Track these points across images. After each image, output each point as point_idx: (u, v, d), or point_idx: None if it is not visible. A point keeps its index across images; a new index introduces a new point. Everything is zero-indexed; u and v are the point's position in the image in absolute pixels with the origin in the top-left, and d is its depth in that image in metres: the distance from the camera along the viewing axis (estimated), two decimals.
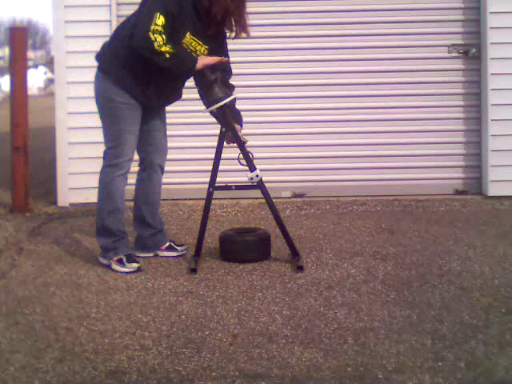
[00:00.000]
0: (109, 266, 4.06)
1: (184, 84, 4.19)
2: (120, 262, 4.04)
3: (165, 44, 3.80)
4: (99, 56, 4.11)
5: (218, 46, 4.08)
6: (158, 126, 4.21)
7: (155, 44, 3.78)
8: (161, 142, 4.24)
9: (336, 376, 2.73)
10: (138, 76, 3.97)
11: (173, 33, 3.85)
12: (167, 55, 3.81)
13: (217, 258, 4.25)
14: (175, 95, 4.19)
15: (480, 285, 3.75)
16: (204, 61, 3.93)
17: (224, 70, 4.09)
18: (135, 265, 4.05)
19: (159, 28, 3.79)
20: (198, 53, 3.99)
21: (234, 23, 3.99)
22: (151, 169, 4.23)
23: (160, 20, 3.80)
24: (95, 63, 4.12)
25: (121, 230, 4.09)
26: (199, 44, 3.98)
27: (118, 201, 4.07)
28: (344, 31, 5.97)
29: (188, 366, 2.82)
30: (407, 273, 3.96)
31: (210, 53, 4.03)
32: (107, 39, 4.18)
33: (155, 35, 3.78)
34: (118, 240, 4.07)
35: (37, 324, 3.27)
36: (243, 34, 4.05)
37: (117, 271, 4.01)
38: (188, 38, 3.94)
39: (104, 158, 4.09)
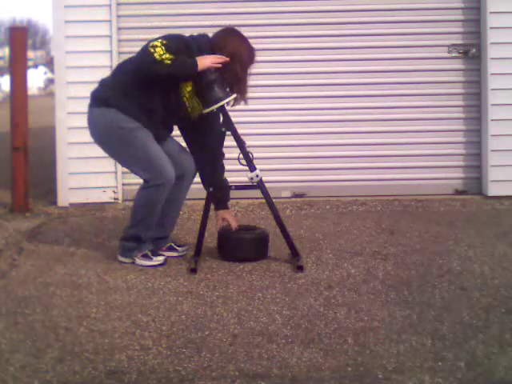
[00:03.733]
0: (133, 263, 4.11)
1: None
2: (146, 256, 4.10)
3: (164, 53, 3.82)
4: (100, 92, 4.09)
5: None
6: (170, 142, 4.21)
7: (155, 54, 3.81)
8: (182, 151, 4.22)
9: (336, 376, 2.73)
10: (144, 109, 3.98)
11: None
12: (168, 61, 3.82)
13: (217, 258, 4.25)
14: (176, 123, 4.24)
15: (480, 285, 3.75)
16: (204, 63, 3.93)
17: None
18: (161, 258, 4.12)
19: (158, 44, 3.84)
20: (192, 110, 4.04)
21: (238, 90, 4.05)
22: (182, 179, 4.19)
23: (162, 44, 3.84)
24: (95, 63, 4.13)
25: (149, 236, 4.16)
26: (198, 103, 4.04)
27: (158, 214, 4.10)
28: (343, 31, 5.97)
29: (188, 366, 2.82)
30: (407, 273, 3.96)
31: (202, 115, 4.07)
32: (105, 76, 4.17)
33: (154, 48, 3.82)
34: (144, 242, 4.14)
35: (37, 324, 3.27)
36: (241, 102, 4.11)
37: (142, 265, 4.07)
38: (189, 91, 3.98)
39: (146, 182, 4.03)
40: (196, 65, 3.91)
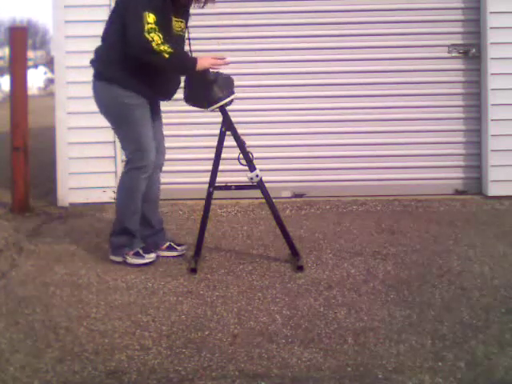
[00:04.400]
0: (124, 262, 4.11)
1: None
2: (137, 254, 4.12)
3: (162, 43, 3.81)
4: (97, 63, 4.09)
5: (187, 17, 4.15)
6: (157, 128, 4.23)
7: (153, 43, 3.79)
8: (162, 143, 4.27)
9: (336, 376, 2.73)
10: (141, 77, 3.96)
11: (164, 24, 3.85)
12: (166, 55, 3.81)
13: (217, 258, 4.25)
14: (176, 86, 4.21)
15: (480, 285, 3.75)
16: (203, 64, 3.94)
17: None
18: (153, 255, 4.14)
19: (152, 26, 3.80)
20: (180, 30, 4.03)
21: None
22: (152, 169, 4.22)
23: (151, 17, 3.80)
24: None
25: (137, 229, 4.17)
26: (178, 21, 4.02)
27: (140, 202, 4.14)
28: (343, 31, 5.96)
29: (188, 366, 2.83)
30: (407, 273, 3.96)
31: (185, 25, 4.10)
32: (99, 45, 4.13)
33: (151, 34, 3.79)
34: (133, 237, 4.15)
35: (37, 324, 3.27)
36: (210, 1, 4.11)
37: (134, 264, 4.08)
38: (173, 22, 3.97)
39: (128, 162, 4.10)
40: (194, 65, 3.92)
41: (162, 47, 3.80)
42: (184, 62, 3.95)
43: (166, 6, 3.90)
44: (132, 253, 4.12)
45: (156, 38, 3.79)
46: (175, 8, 3.98)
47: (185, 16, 4.11)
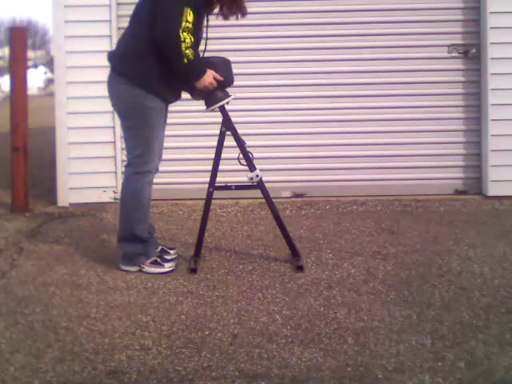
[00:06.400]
0: (140, 271, 3.99)
1: None
2: (155, 263, 3.99)
3: (190, 47, 3.74)
4: (118, 57, 3.94)
5: (208, 17, 4.05)
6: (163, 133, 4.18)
7: (183, 45, 3.71)
8: (162, 147, 4.21)
9: (336, 376, 2.73)
10: (162, 77, 3.85)
11: (197, 25, 3.80)
12: (185, 60, 3.74)
13: (217, 258, 4.25)
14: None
15: (480, 285, 3.75)
16: (205, 80, 3.89)
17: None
18: (172, 263, 4.03)
19: (190, 25, 3.72)
20: (203, 31, 3.97)
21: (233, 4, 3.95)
22: None
23: (191, 16, 3.72)
24: (95, 63, 4.09)
25: (148, 236, 4.02)
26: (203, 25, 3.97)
27: (147, 208, 4.00)
28: (343, 31, 5.97)
29: (188, 366, 2.83)
30: (407, 273, 3.96)
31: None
32: (122, 36, 4.01)
33: (184, 34, 3.71)
34: (148, 245, 4.02)
35: (37, 324, 3.27)
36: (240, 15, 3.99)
37: (153, 273, 3.96)
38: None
39: (129, 165, 3.96)
40: (200, 77, 3.87)
41: (188, 51, 3.73)
42: (195, 72, 3.87)
43: (203, 5, 3.84)
44: (149, 261, 3.99)
45: (187, 40, 3.71)
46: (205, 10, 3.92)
47: (207, 16, 4.01)
